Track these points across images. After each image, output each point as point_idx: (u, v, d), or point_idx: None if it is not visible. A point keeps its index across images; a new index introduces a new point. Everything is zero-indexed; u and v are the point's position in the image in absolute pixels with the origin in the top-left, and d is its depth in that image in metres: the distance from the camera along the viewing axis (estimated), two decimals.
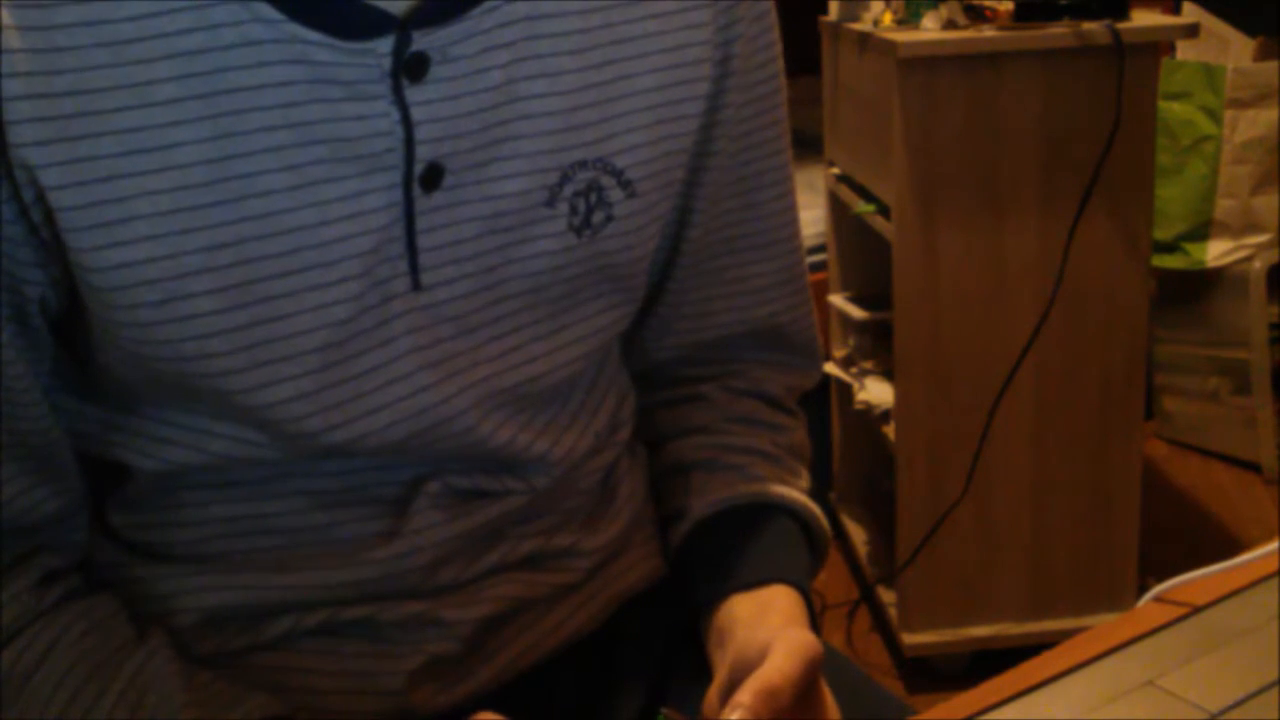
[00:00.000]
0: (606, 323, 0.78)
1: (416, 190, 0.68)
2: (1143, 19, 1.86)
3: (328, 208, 0.66)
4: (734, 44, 0.78)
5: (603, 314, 0.78)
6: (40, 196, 0.63)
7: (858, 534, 2.40)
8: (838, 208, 2.34)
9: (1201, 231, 2.65)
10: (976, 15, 1.86)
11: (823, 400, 2.47)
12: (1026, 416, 1.95)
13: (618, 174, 0.74)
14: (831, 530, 0.87)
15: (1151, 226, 1.92)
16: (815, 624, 0.77)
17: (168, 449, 0.71)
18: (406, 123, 0.66)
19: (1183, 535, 2.50)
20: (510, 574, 0.77)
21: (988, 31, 1.82)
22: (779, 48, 0.82)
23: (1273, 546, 0.72)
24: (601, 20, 0.73)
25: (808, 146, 2.31)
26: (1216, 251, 2.64)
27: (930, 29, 1.86)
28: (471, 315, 0.72)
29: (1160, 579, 0.70)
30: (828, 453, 2.51)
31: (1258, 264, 2.61)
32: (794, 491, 0.84)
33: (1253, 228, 2.63)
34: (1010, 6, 1.85)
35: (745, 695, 0.62)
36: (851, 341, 2.32)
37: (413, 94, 0.66)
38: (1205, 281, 2.69)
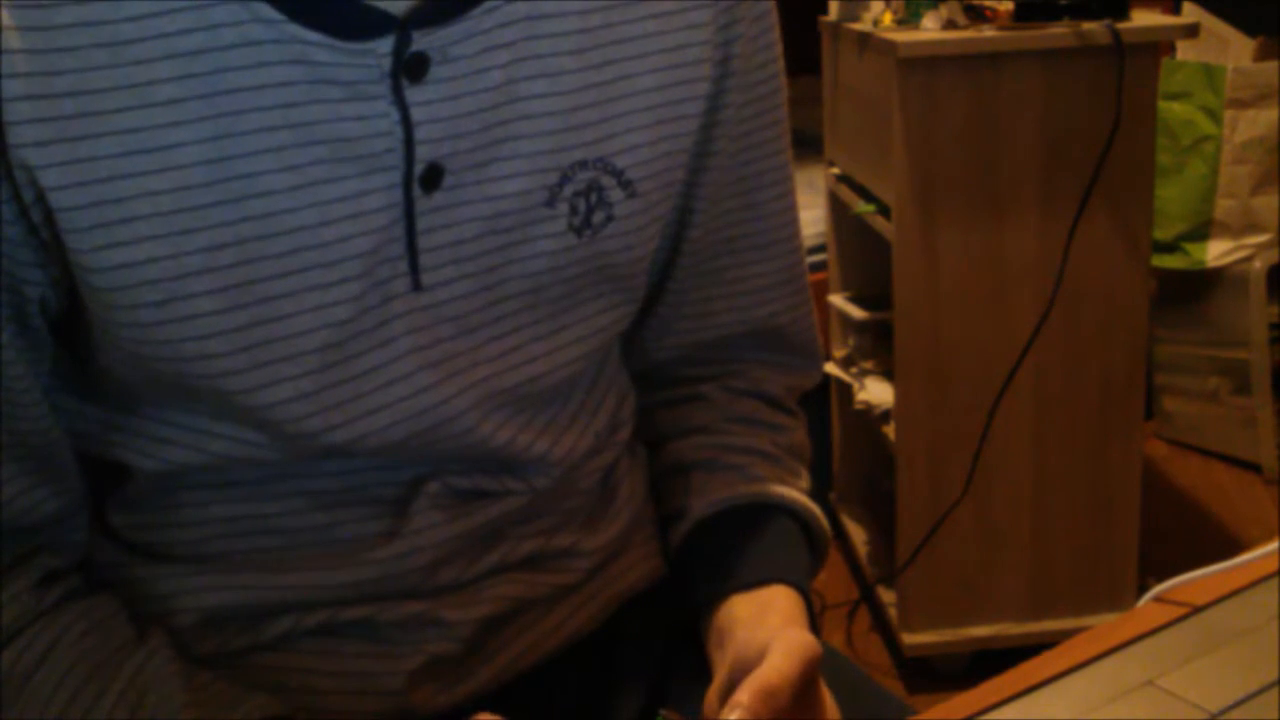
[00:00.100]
0: (606, 323, 0.78)
1: (416, 190, 0.68)
2: (1143, 19, 1.86)
3: (328, 208, 0.66)
4: (734, 44, 0.78)
5: (603, 314, 0.78)
6: (40, 197, 0.63)
7: (858, 534, 2.40)
8: (838, 208, 2.34)
9: (1201, 231, 2.65)
10: (976, 15, 1.86)
11: (823, 400, 2.47)
12: (1026, 416, 1.95)
13: (618, 174, 0.74)
14: (831, 530, 0.87)
15: (1151, 226, 1.92)
16: (815, 624, 0.77)
17: (168, 449, 0.71)
18: (406, 123, 0.66)
19: (1183, 535, 2.50)
20: (510, 574, 0.77)
21: (988, 31, 1.82)
22: (779, 48, 0.82)
23: (1273, 546, 0.72)
24: (601, 20, 0.73)
25: (808, 146, 2.31)
26: (1216, 251, 2.64)
27: (930, 29, 1.86)
28: (471, 315, 0.72)
29: (1160, 579, 0.70)
30: (828, 453, 2.51)
31: (1258, 264, 2.61)
32: (794, 492, 0.84)
33: (1253, 228, 2.63)
34: (1010, 6, 1.85)
35: (744, 695, 0.62)
36: (851, 341, 2.32)
37: (413, 94, 0.66)
38: (1205, 281, 2.69)
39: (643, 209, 0.76)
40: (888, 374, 2.13)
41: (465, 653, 0.76)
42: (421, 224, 0.69)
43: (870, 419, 2.17)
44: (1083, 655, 0.64)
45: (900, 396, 1.96)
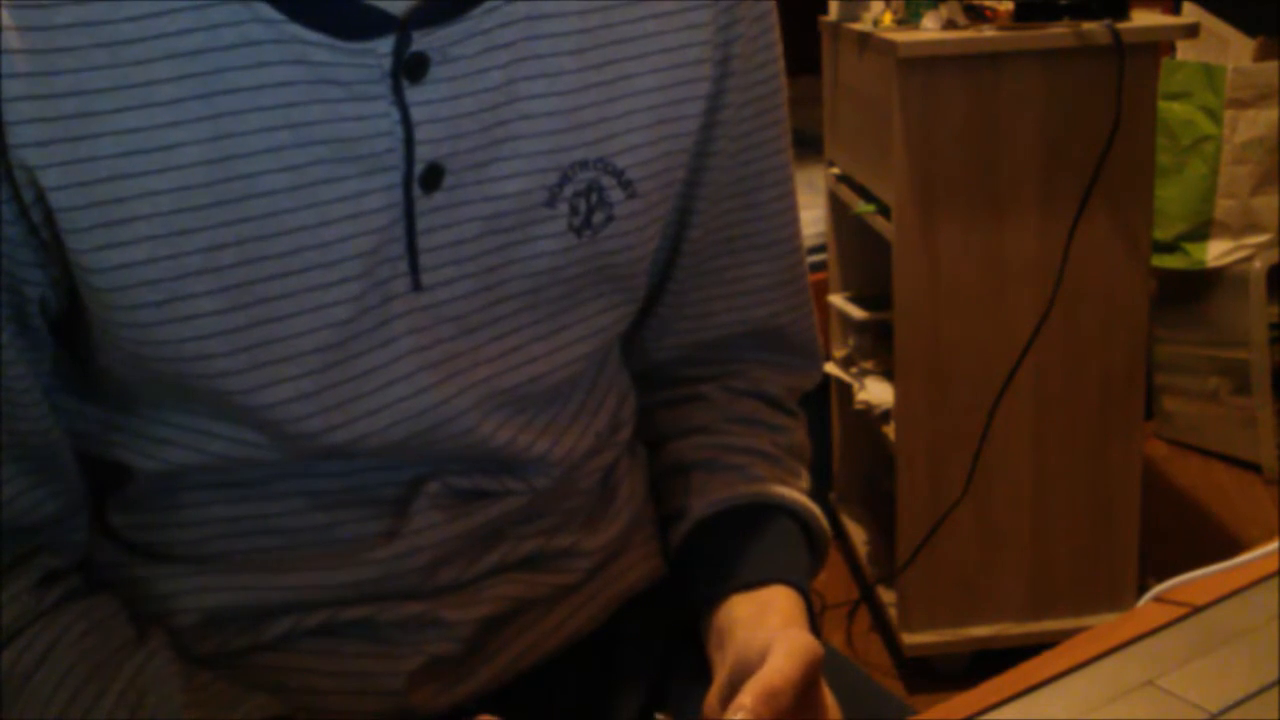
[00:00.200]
0: (607, 323, 0.78)
1: (416, 190, 0.68)
2: (1143, 19, 1.86)
3: (328, 208, 0.66)
4: (734, 44, 0.78)
5: (603, 314, 0.78)
6: (40, 197, 0.63)
7: (858, 534, 2.40)
8: (838, 208, 2.34)
9: (1201, 231, 2.65)
10: (976, 15, 1.86)
11: (823, 400, 2.47)
12: (1026, 416, 1.95)
13: (618, 174, 0.74)
14: (831, 530, 0.87)
15: (1151, 226, 1.92)
16: (815, 624, 0.77)
17: (168, 449, 0.71)
18: (406, 123, 0.66)
19: (1183, 535, 2.50)
20: (510, 574, 0.77)
21: (988, 31, 1.82)
22: (780, 48, 0.82)
23: (1273, 546, 0.72)
24: (601, 20, 0.73)
25: (808, 146, 2.31)
26: (1216, 251, 2.64)
27: (930, 29, 1.86)
28: (472, 315, 0.72)
29: (1160, 579, 0.70)
30: (828, 453, 2.51)
31: (1258, 264, 2.61)
32: (794, 492, 0.84)
33: (1253, 228, 2.63)
34: (1010, 6, 1.85)
35: (746, 697, 0.62)
36: (851, 341, 2.32)
37: (413, 94, 0.66)
38: (1205, 281, 2.69)
39: (643, 209, 0.76)
40: (888, 374, 2.13)
41: (465, 653, 0.76)
42: (421, 224, 0.69)
43: (870, 419, 2.17)
44: (1083, 655, 0.64)
45: (900, 396, 1.96)
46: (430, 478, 0.74)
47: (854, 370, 2.27)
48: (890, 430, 2.05)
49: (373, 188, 0.67)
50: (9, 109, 0.61)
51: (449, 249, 0.70)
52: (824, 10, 2.25)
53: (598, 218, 0.74)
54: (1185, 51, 2.67)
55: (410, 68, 0.66)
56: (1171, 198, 2.65)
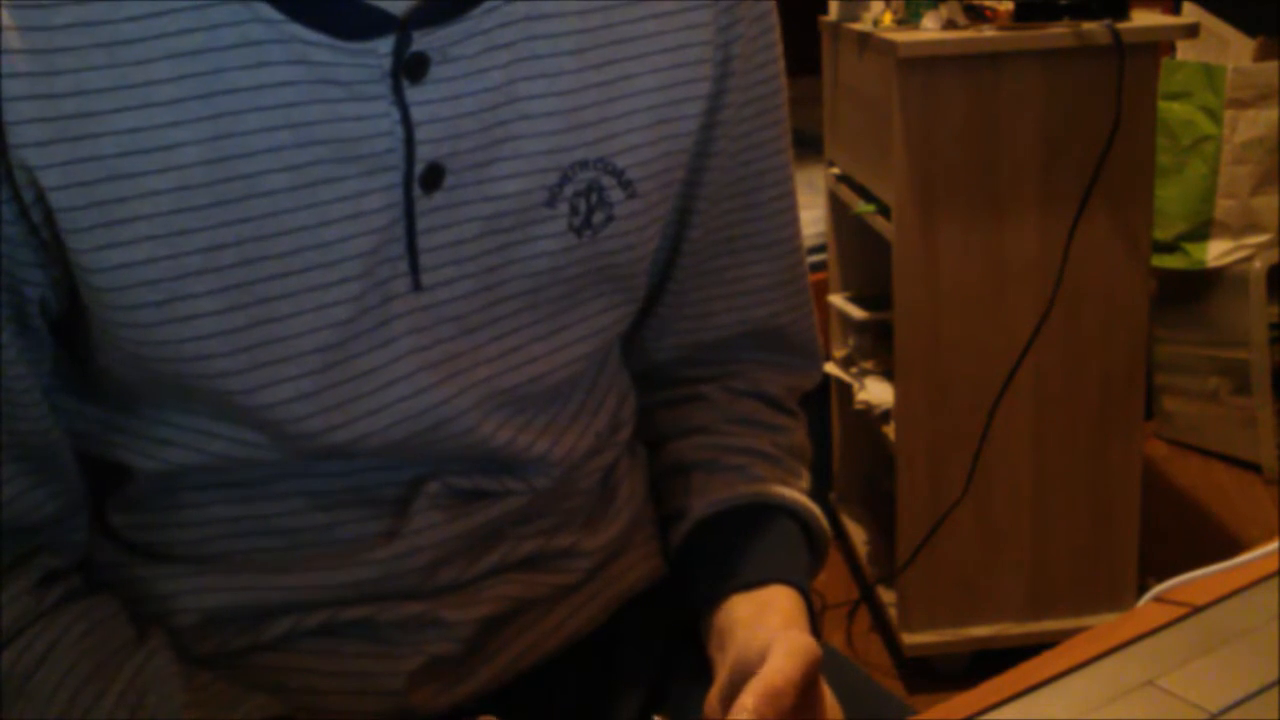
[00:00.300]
0: (607, 323, 0.78)
1: (417, 190, 0.68)
2: (1143, 19, 1.86)
3: (328, 208, 0.66)
4: (734, 44, 0.78)
5: (603, 314, 0.78)
6: (40, 197, 0.63)
7: (858, 534, 2.40)
8: (838, 208, 2.34)
9: (1201, 231, 2.65)
10: (976, 15, 1.86)
11: (823, 400, 2.47)
12: (1026, 416, 1.95)
13: (618, 174, 0.74)
14: (831, 530, 0.87)
15: (1151, 226, 1.92)
16: (815, 624, 0.77)
17: (168, 449, 0.71)
18: (407, 123, 0.66)
19: (1183, 535, 2.50)
20: (510, 574, 0.77)
21: (988, 31, 1.82)
22: (780, 48, 0.82)
23: (1273, 546, 0.72)
24: (601, 20, 0.73)
25: (808, 146, 2.31)
26: (1216, 251, 2.64)
27: (930, 29, 1.86)
28: (472, 315, 0.72)
29: (1160, 579, 0.70)
30: (828, 453, 2.51)
31: (1258, 264, 2.61)
32: (794, 492, 0.84)
33: (1253, 228, 2.63)
34: (1010, 6, 1.85)
35: (749, 698, 0.62)
36: (851, 341, 2.32)
37: (413, 94, 0.66)
38: (1205, 281, 2.69)
39: (643, 209, 0.76)
40: (888, 374, 2.13)
41: (465, 653, 0.76)
42: (422, 224, 0.69)
43: (870, 419, 2.17)
44: (1083, 655, 0.64)
45: (900, 396, 1.96)
46: (430, 478, 0.74)
47: (854, 370, 2.27)
48: (890, 430, 2.05)
49: (373, 188, 0.67)
50: (9, 109, 0.61)
51: (449, 249, 0.70)
52: (824, 10, 2.25)
53: (598, 218, 0.74)
54: (1185, 51, 2.67)
55: (410, 68, 0.66)
56: (1171, 198, 2.65)
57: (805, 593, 0.79)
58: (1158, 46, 1.87)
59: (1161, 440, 2.85)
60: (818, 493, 0.87)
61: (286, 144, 0.65)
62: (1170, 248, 2.67)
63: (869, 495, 2.47)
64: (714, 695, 0.70)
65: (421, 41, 0.66)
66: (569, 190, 0.72)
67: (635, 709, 0.81)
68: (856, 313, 2.24)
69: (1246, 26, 2.68)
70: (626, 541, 0.84)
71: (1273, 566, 0.70)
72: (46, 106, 0.61)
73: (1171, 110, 2.62)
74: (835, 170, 2.32)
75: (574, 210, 0.73)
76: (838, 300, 2.33)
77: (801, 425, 0.91)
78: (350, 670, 0.73)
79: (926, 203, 1.86)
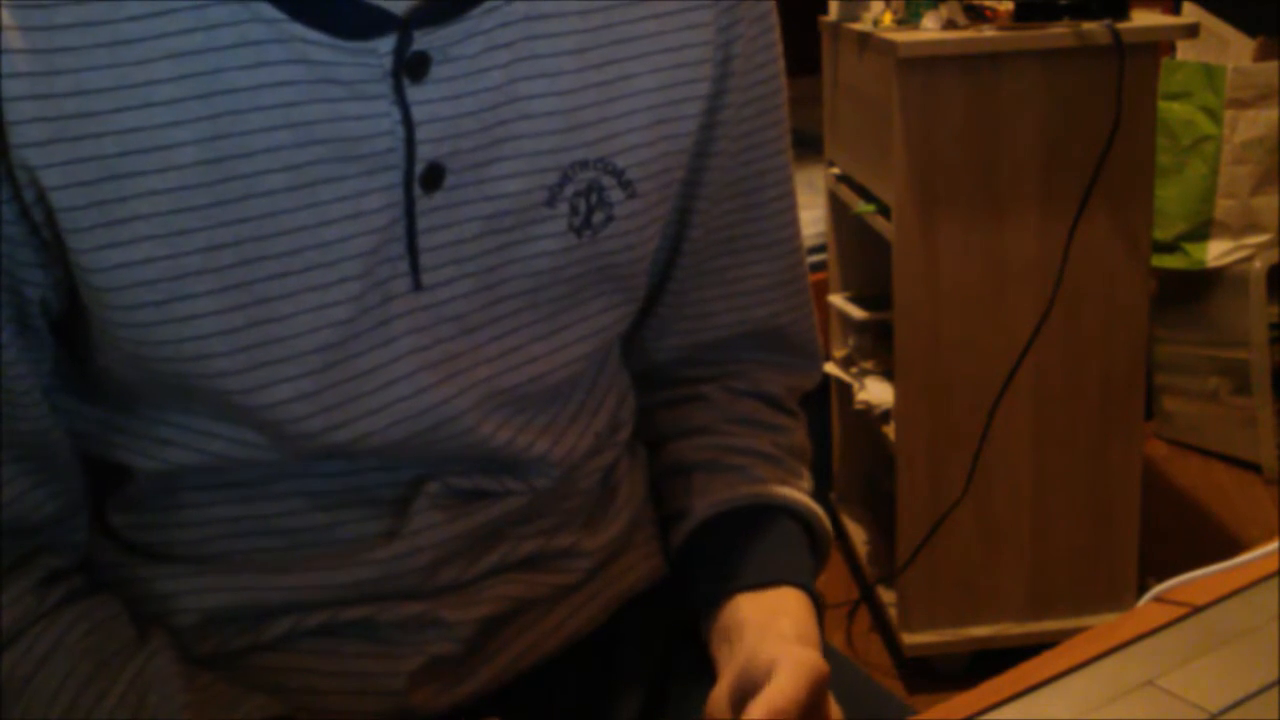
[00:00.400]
0: (607, 323, 0.78)
1: (417, 190, 0.68)
2: (1143, 19, 1.86)
3: (328, 208, 0.66)
4: (735, 44, 0.78)
5: (603, 314, 0.78)
6: (41, 197, 0.63)
7: (858, 534, 2.40)
8: (838, 208, 2.34)
9: (1201, 231, 2.65)
10: (976, 15, 1.86)
11: (823, 400, 2.47)
12: (1026, 416, 1.95)
13: (618, 174, 0.74)
14: (832, 530, 0.87)
15: (1151, 226, 1.92)
16: (822, 625, 0.77)
17: (168, 450, 0.71)
18: (407, 123, 0.66)
19: (1183, 535, 2.50)
20: (510, 574, 0.77)
21: (988, 31, 1.82)
22: (780, 48, 0.82)
23: (1273, 546, 0.72)
24: (601, 20, 0.73)
25: (808, 146, 2.31)
26: (1216, 251, 2.64)
27: (930, 29, 1.86)
28: (472, 315, 0.72)
29: (1160, 579, 0.70)
30: (828, 453, 2.51)
31: (1258, 264, 2.61)
32: (796, 492, 0.84)
33: (1253, 228, 2.63)
34: (1010, 6, 1.85)
35: (757, 711, 0.63)
36: (851, 341, 2.32)
37: (413, 94, 0.66)
38: (1205, 281, 2.69)
39: (643, 209, 0.76)
40: (888, 374, 2.13)
41: (465, 653, 0.76)
42: (422, 224, 0.69)
43: (870, 419, 2.17)
44: (1083, 655, 0.64)
45: (900, 396, 1.96)
46: (430, 478, 0.74)
47: (854, 370, 2.27)
48: (890, 430, 2.05)
49: (373, 187, 0.67)
50: (10, 109, 0.61)
51: (449, 249, 0.70)
52: (824, 10, 2.25)
53: (598, 218, 0.74)
54: (1185, 51, 2.67)
55: (411, 67, 0.66)
56: (1171, 198, 2.65)
57: (813, 595, 0.79)
58: (1158, 46, 1.87)
59: (1161, 440, 2.85)
60: (818, 493, 0.87)
61: (286, 144, 0.65)
62: (1170, 248, 2.67)
63: (869, 495, 2.47)
64: (719, 694, 0.70)
65: (422, 41, 0.66)
66: (569, 190, 0.72)
67: (635, 709, 0.81)
68: (856, 313, 2.24)
69: (1246, 26, 2.68)
70: (626, 541, 0.84)
71: (1273, 566, 0.70)
72: (47, 106, 0.61)
73: (1171, 110, 2.62)
74: (835, 170, 2.32)
75: (574, 210, 0.73)
76: (838, 300, 2.33)
77: (802, 425, 0.91)
78: (350, 670, 0.73)
79: (926, 203, 1.86)
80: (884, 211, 1.97)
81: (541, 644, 0.79)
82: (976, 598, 2.04)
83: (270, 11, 0.64)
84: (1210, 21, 2.65)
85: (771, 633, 0.74)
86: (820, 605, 0.79)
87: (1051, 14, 1.81)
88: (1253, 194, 2.61)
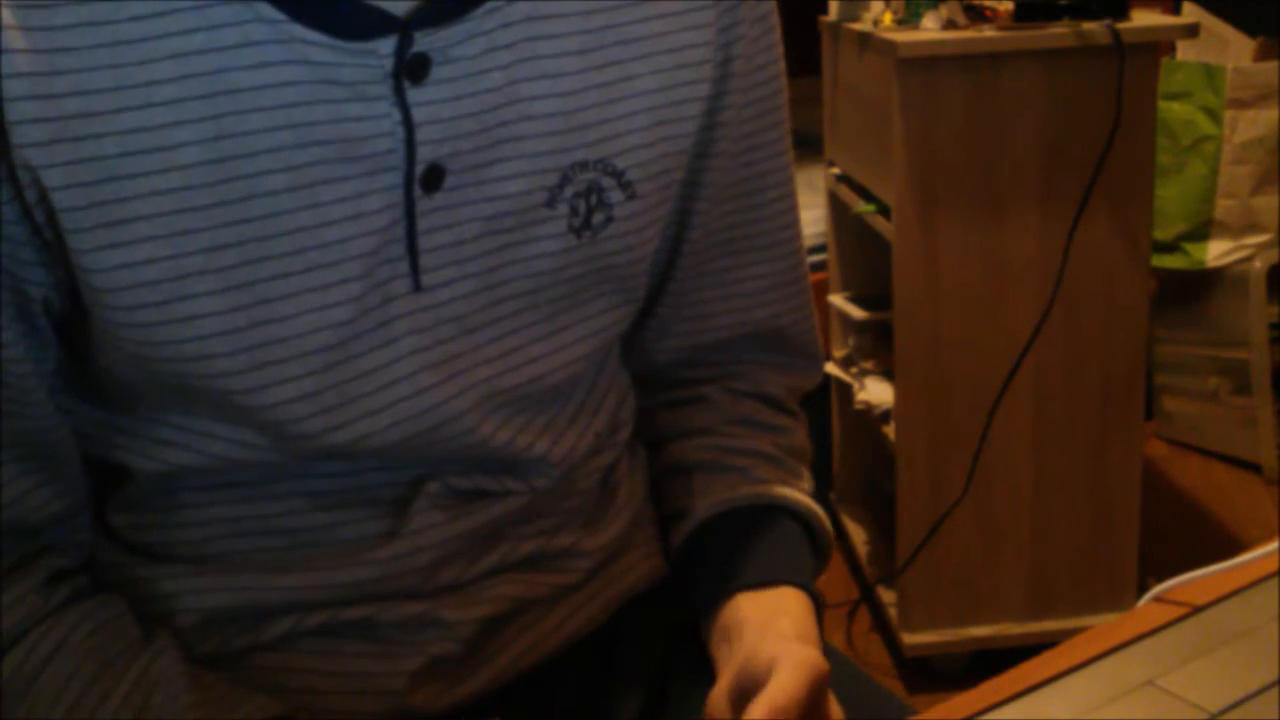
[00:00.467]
0: (607, 323, 0.78)
1: (417, 191, 0.68)
2: (1143, 19, 1.86)
3: (329, 209, 0.66)
4: (735, 45, 0.78)
5: (603, 315, 0.78)
6: (43, 197, 0.63)
7: (858, 534, 2.40)
8: (838, 208, 2.34)
9: (1201, 231, 2.65)
10: (976, 15, 1.86)
11: (823, 400, 2.47)
12: (1026, 416, 1.95)
13: (618, 175, 0.74)
14: (832, 530, 0.87)
15: (1151, 226, 1.92)
16: (822, 625, 0.77)
17: (168, 450, 0.71)
18: (408, 123, 0.67)
19: (1183, 535, 2.50)
20: (510, 574, 0.78)
21: (988, 31, 1.82)
22: (780, 49, 0.82)
23: (1273, 546, 0.72)
24: (602, 21, 0.73)
25: (808, 146, 2.31)
26: (1216, 251, 2.64)
27: (930, 29, 1.86)
28: (472, 316, 0.72)
29: (1160, 579, 0.70)
30: (828, 453, 2.51)
31: (1258, 264, 2.61)
32: (797, 493, 0.84)
33: (1253, 228, 2.63)
34: (1010, 6, 1.85)
35: (755, 712, 0.63)
36: (851, 341, 2.32)
37: (414, 95, 0.66)
38: (1205, 281, 2.69)
39: (643, 210, 0.76)
40: (888, 374, 2.13)
41: (465, 653, 0.76)
42: (422, 224, 0.69)
43: (870, 419, 2.17)
44: (1083, 655, 0.64)
45: (900, 396, 1.96)
46: (430, 478, 0.74)
47: (854, 370, 2.27)
48: (890, 430, 2.05)
49: (374, 188, 0.67)
50: (12, 109, 0.61)
51: (450, 249, 0.70)
52: (824, 10, 2.25)
53: (598, 218, 0.74)
54: (1185, 51, 2.67)
55: (412, 68, 0.66)
56: (1171, 198, 2.65)
57: (813, 594, 0.79)
58: (1158, 46, 1.87)
59: (1161, 440, 2.85)
60: (818, 493, 0.87)
61: (287, 144, 0.65)
62: (1170, 248, 2.67)
63: (869, 495, 2.47)
64: (719, 693, 0.70)
65: (423, 42, 0.66)
66: (569, 191, 0.72)
67: (635, 709, 0.81)
68: (856, 313, 2.24)
69: (1246, 26, 2.68)
70: (626, 541, 0.84)
71: (1273, 566, 0.70)
72: (48, 106, 0.61)
73: (1171, 110, 2.62)
74: (835, 170, 2.32)
75: (574, 211, 0.73)
76: (838, 300, 2.33)
77: (802, 426, 0.91)
78: (350, 670, 0.73)
79: (926, 203, 1.86)
80: (884, 211, 1.97)
81: (541, 644, 0.79)
82: (976, 598, 2.04)
83: (271, 12, 0.64)
84: (1210, 21, 2.65)
85: (771, 632, 0.74)
86: (820, 605, 0.79)
87: (1051, 14, 1.81)
88: (1253, 194, 2.61)
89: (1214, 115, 2.60)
